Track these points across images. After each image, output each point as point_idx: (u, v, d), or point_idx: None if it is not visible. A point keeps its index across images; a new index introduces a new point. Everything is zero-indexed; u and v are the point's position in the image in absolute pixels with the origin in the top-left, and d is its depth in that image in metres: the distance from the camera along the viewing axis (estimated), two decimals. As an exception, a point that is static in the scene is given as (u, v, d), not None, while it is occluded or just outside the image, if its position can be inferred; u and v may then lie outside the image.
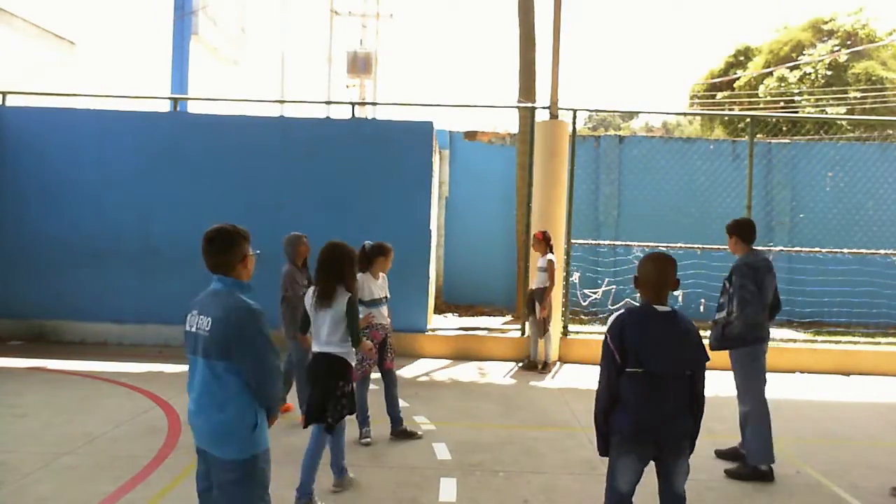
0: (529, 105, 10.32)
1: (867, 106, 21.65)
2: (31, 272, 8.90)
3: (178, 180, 8.99)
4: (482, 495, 4.33)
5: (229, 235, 2.91)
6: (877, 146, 12.92)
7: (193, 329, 2.81)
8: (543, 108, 9.11)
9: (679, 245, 9.91)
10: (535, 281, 8.29)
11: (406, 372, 7.97)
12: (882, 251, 10.01)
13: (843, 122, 19.76)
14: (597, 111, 19.74)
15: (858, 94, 21.96)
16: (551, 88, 8.91)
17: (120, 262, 8.92)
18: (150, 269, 8.92)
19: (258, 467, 2.76)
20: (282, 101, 15.51)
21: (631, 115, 39.26)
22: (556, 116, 8.88)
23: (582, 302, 10.79)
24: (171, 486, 4.28)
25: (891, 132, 18.91)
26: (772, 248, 10.81)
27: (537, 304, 8.19)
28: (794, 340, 9.52)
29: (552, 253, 8.21)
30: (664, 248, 10.10)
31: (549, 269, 8.13)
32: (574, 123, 9.24)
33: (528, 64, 10.96)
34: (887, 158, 12.24)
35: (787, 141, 13.13)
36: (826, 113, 21.43)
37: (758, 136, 12.95)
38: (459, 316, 11.56)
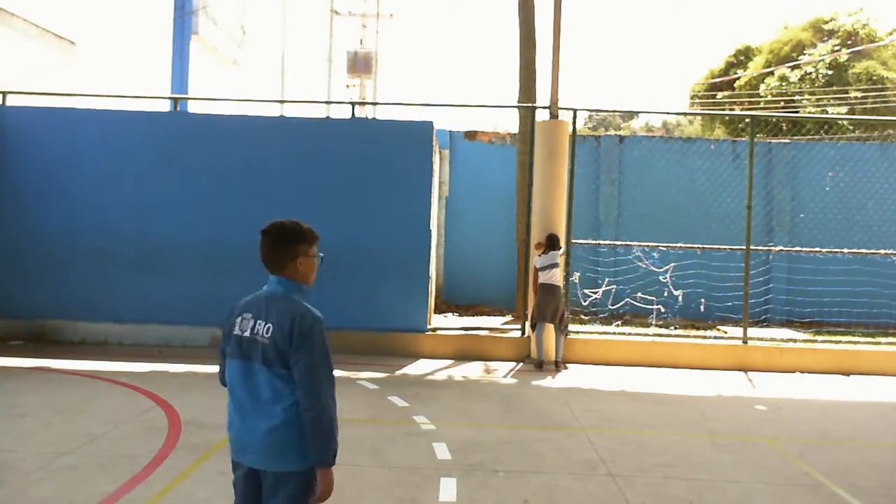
0: (529, 105, 10.32)
1: (868, 106, 21.65)
2: (32, 272, 8.90)
3: (178, 180, 8.99)
4: (482, 495, 4.33)
5: (284, 231, 2.62)
6: (877, 146, 12.91)
7: (247, 334, 2.56)
8: (543, 107, 9.11)
9: (679, 245, 9.91)
10: (555, 278, 8.39)
11: (406, 372, 7.97)
12: (882, 251, 10.00)
13: (845, 122, 19.74)
14: (597, 111, 19.78)
15: (859, 94, 21.95)
16: (551, 88, 8.91)
17: (120, 262, 8.93)
18: (151, 268, 8.93)
19: (316, 480, 2.56)
20: (282, 102, 15.51)
21: (631, 115, 39.25)
22: (557, 116, 8.88)
23: (582, 302, 10.80)
24: (172, 486, 4.29)
25: (891, 132, 18.89)
26: (772, 248, 10.81)
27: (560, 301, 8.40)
28: (795, 340, 9.51)
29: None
30: (664, 248, 10.13)
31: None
32: (574, 123, 9.24)
33: (528, 63, 10.96)
34: (887, 158, 12.24)
35: (787, 141, 13.13)
36: (827, 113, 21.43)
37: (758, 135, 12.92)
38: (459, 316, 11.57)
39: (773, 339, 9.20)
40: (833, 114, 20.87)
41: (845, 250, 10.05)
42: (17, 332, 8.86)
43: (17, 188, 8.99)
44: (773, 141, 12.97)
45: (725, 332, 10.15)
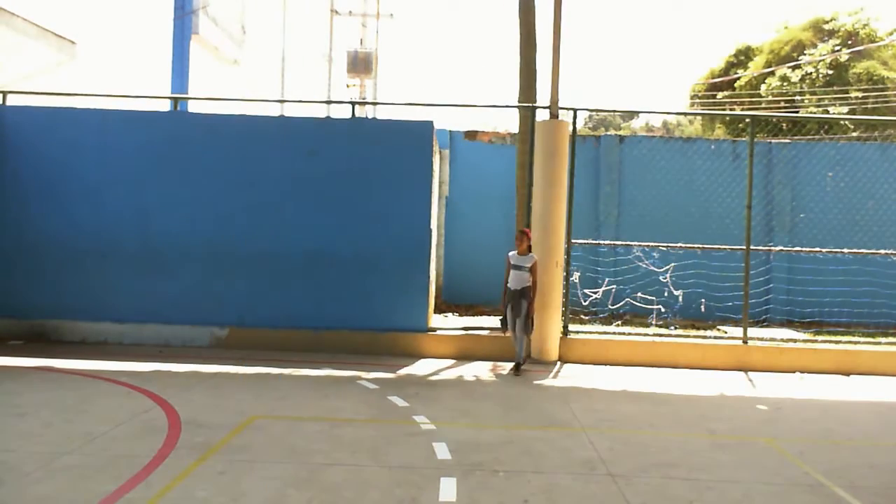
0: (529, 105, 10.30)
1: (868, 106, 21.66)
2: (32, 271, 8.91)
3: (178, 180, 8.99)
4: (482, 495, 4.33)
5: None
6: (877, 146, 12.90)
7: None
8: (543, 107, 9.09)
9: (679, 245, 9.91)
10: (520, 281, 8.03)
11: (407, 372, 7.97)
12: (882, 251, 9.98)
13: (846, 122, 19.76)
14: (597, 111, 19.63)
15: (860, 94, 21.98)
16: (552, 88, 8.89)
17: (120, 262, 8.94)
18: (151, 268, 8.93)
19: None
20: (282, 101, 15.47)
21: (631, 114, 39.18)
22: (557, 116, 8.86)
23: (583, 302, 10.79)
24: (172, 486, 4.29)
25: (892, 132, 18.88)
26: (772, 248, 10.82)
27: (525, 303, 8.01)
28: (795, 340, 9.50)
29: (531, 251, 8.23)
30: (664, 248, 10.12)
31: (535, 269, 8.12)
32: (574, 123, 9.23)
33: (528, 63, 10.92)
34: (887, 158, 12.23)
35: (787, 141, 13.13)
36: (829, 112, 21.43)
37: (758, 135, 12.91)
38: (459, 315, 11.56)
39: (773, 339, 9.19)
40: (834, 114, 20.89)
41: (845, 250, 10.06)
42: (17, 331, 8.87)
43: (16, 187, 9.01)
44: (773, 141, 12.97)
45: (725, 332, 10.14)
